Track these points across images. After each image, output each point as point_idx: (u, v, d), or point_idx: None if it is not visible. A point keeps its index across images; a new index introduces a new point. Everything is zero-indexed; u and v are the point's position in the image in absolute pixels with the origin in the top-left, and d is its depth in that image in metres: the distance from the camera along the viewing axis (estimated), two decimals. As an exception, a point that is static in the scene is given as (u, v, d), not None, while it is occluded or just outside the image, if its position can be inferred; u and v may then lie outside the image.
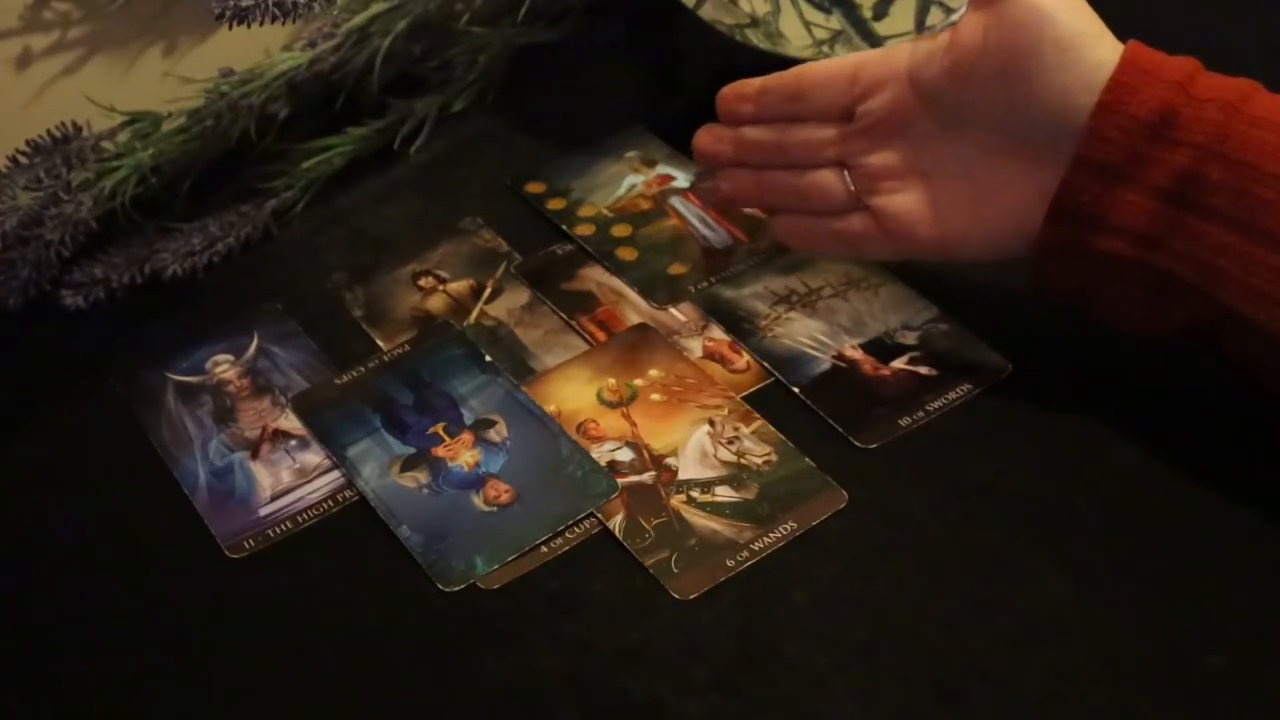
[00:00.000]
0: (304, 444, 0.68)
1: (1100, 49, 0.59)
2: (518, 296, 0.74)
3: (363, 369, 0.71)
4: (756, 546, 0.61)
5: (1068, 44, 0.59)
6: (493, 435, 0.67)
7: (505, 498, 0.64)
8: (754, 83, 0.68)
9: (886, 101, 0.65)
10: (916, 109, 0.64)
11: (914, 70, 0.64)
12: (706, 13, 0.79)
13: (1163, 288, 0.60)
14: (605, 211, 0.79)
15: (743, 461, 0.65)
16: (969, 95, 0.62)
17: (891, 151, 0.66)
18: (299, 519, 0.64)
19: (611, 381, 0.69)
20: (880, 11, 0.80)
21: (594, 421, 0.67)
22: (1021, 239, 0.63)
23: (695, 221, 0.77)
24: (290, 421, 0.69)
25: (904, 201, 0.66)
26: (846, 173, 0.67)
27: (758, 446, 0.66)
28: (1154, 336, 0.63)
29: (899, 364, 0.69)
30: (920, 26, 0.78)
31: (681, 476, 0.65)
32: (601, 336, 0.72)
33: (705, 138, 0.70)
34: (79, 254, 0.74)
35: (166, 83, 0.80)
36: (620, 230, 0.77)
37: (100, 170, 0.75)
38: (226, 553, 0.63)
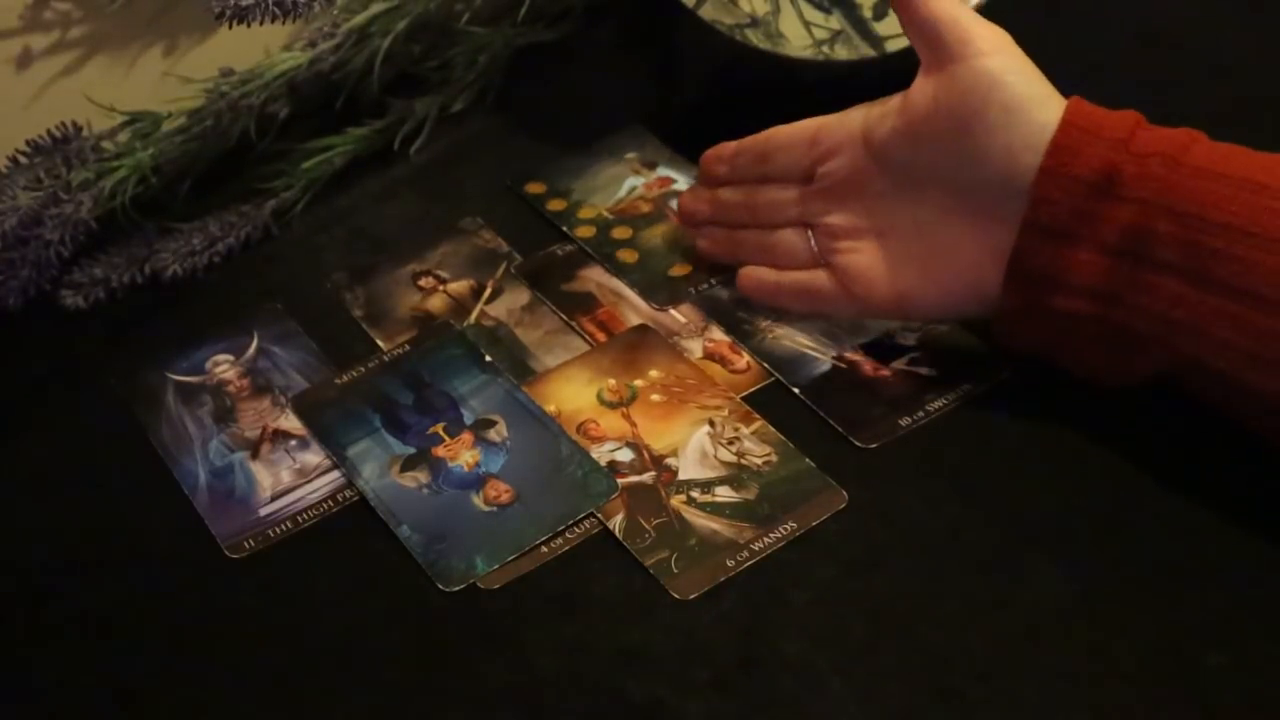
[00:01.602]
0: (304, 444, 0.68)
1: (1045, 110, 0.61)
2: (518, 297, 0.74)
3: (363, 369, 0.71)
4: (756, 546, 0.61)
5: (1015, 106, 0.61)
6: (493, 435, 0.67)
7: (505, 498, 0.64)
8: (730, 146, 0.72)
9: (844, 163, 0.67)
10: (872, 170, 0.66)
11: (868, 132, 0.66)
12: (706, 13, 0.79)
13: (1124, 341, 0.61)
14: (606, 214, 0.79)
15: (743, 462, 0.65)
16: (920, 156, 0.64)
17: (849, 212, 0.67)
18: (299, 519, 0.64)
19: (612, 382, 0.69)
20: (880, 12, 0.80)
21: (594, 422, 0.67)
22: (977, 298, 0.64)
23: (695, 222, 0.77)
24: (290, 421, 0.69)
25: (861, 260, 0.67)
26: (810, 232, 0.69)
27: (758, 447, 0.66)
28: (1123, 386, 0.63)
29: (899, 364, 0.69)
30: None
31: (681, 477, 0.65)
32: (602, 337, 0.72)
33: (687, 198, 0.74)
34: (79, 254, 0.74)
35: (166, 83, 0.80)
36: (621, 233, 0.77)
37: (100, 170, 0.75)
38: (226, 553, 0.63)
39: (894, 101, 0.65)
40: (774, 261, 0.71)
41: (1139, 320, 0.60)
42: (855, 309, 0.69)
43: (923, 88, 0.63)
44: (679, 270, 0.75)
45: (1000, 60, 0.61)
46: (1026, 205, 0.61)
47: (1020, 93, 0.61)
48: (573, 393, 0.69)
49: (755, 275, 0.71)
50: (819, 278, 0.69)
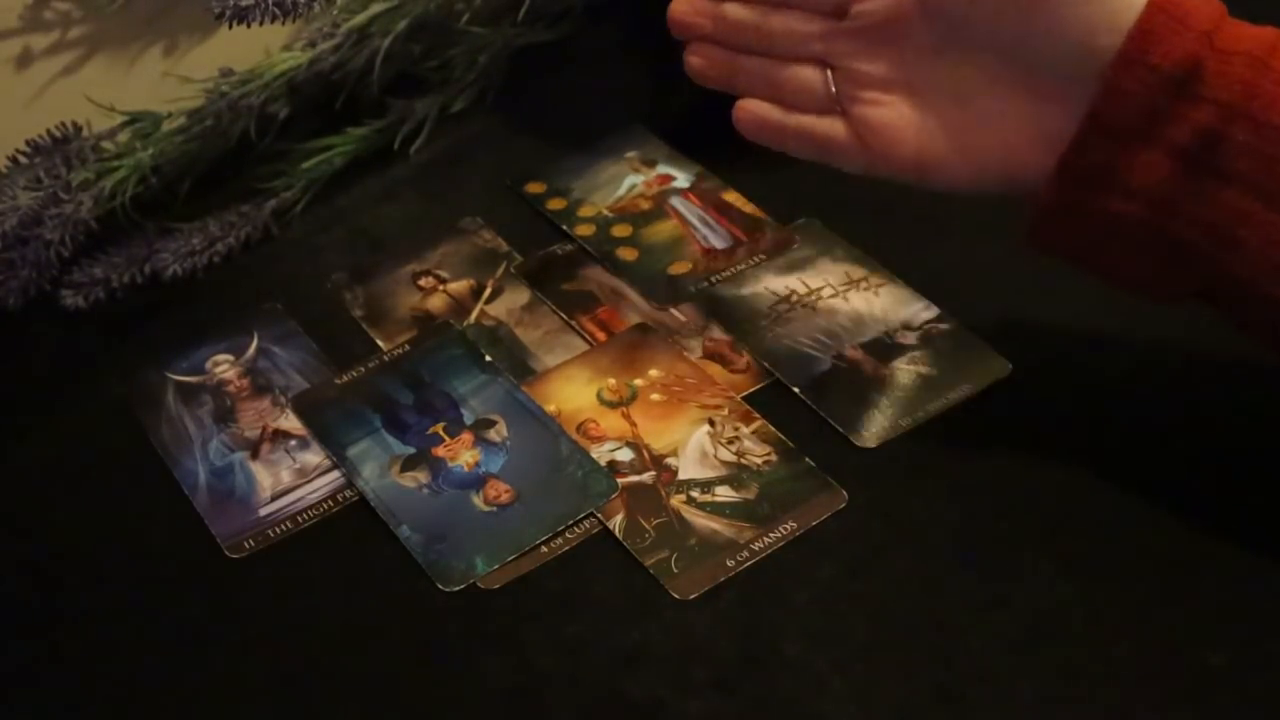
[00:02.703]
0: (304, 444, 0.68)
1: None
2: (518, 296, 0.74)
3: (363, 369, 0.71)
4: (756, 546, 0.61)
5: None
6: (493, 435, 0.67)
7: (505, 498, 0.64)
8: None
9: (886, 4, 0.59)
10: (918, 18, 0.59)
11: None
12: (706, 13, 0.79)
13: (1174, 254, 0.56)
14: (605, 212, 0.79)
15: (743, 461, 0.65)
16: (980, 13, 0.57)
17: (882, 60, 0.60)
18: (299, 519, 0.64)
19: (611, 381, 0.69)
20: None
21: (594, 421, 0.67)
22: (1005, 178, 0.59)
23: (695, 221, 0.77)
24: (290, 421, 0.69)
25: (887, 115, 0.61)
26: (830, 72, 0.62)
27: (758, 446, 0.66)
28: (1156, 300, 0.59)
29: (899, 364, 0.69)
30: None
31: (681, 476, 0.65)
32: (602, 336, 0.72)
33: (682, 5, 0.64)
34: (79, 254, 0.74)
35: (166, 83, 0.80)
36: (620, 230, 0.77)
37: (100, 170, 0.75)
38: (226, 553, 0.63)
39: None
40: (781, 98, 0.63)
41: (1195, 233, 0.55)
42: (868, 165, 0.62)
43: None
44: (679, 268, 0.75)
45: None
46: (1096, 93, 0.55)
47: None
48: (573, 392, 0.69)
49: (758, 111, 0.63)
50: (832, 125, 0.62)
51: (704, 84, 0.65)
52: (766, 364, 0.69)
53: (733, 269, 0.74)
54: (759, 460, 0.65)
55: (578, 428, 0.67)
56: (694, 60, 0.65)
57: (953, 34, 0.58)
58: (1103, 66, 0.54)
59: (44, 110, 0.77)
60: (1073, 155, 0.56)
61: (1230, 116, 0.54)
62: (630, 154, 0.82)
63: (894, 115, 0.61)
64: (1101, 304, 0.67)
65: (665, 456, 0.65)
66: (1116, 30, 0.54)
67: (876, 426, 0.66)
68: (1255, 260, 0.54)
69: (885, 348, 0.69)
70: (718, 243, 0.76)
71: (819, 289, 0.73)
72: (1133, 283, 0.59)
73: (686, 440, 0.66)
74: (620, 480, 0.64)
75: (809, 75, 0.62)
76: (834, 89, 0.62)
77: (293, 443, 0.68)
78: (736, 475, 0.64)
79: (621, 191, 0.80)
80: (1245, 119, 0.53)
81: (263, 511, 0.65)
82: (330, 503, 0.65)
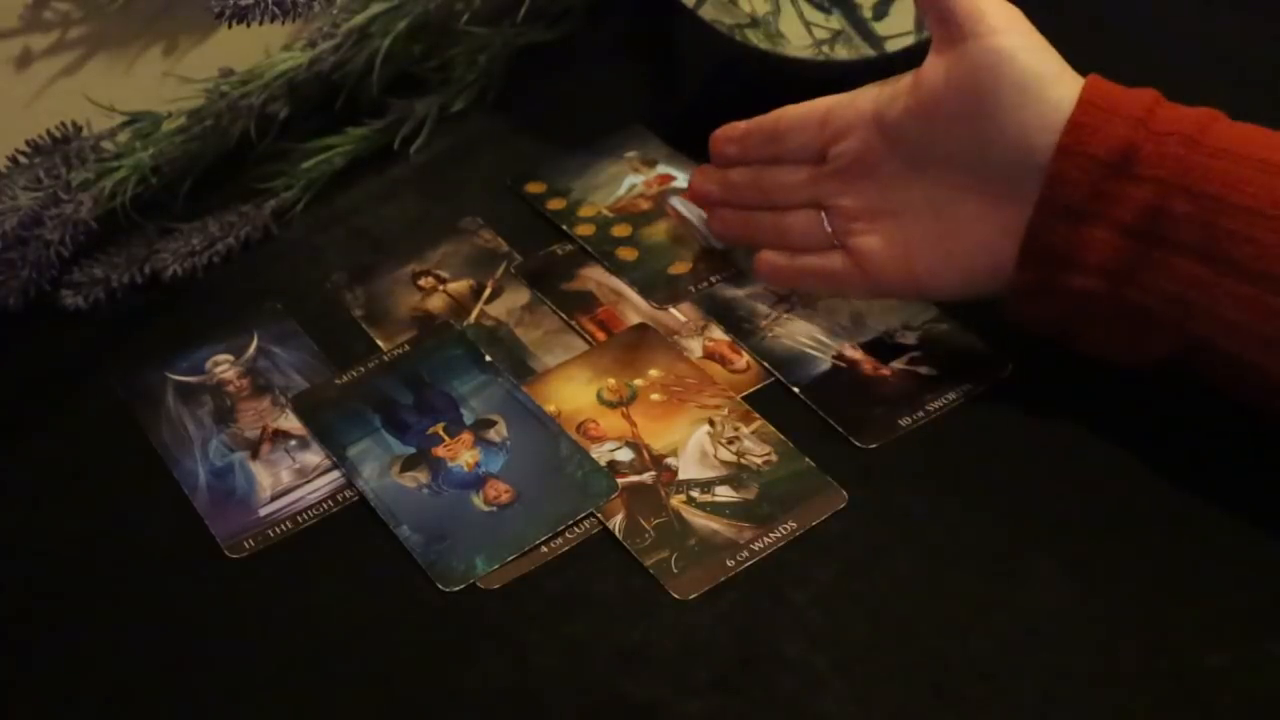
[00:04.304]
0: (304, 444, 0.68)
1: (1059, 87, 0.60)
2: (518, 296, 0.74)
3: (363, 369, 0.71)
4: (756, 546, 0.61)
5: (1027, 84, 0.60)
6: (493, 435, 0.67)
7: (505, 498, 0.64)
8: (740, 125, 0.71)
9: (856, 144, 0.66)
10: (885, 150, 0.65)
11: (879, 112, 0.65)
12: (706, 13, 0.79)
13: (1138, 321, 0.61)
14: (605, 211, 0.79)
15: (743, 461, 0.65)
16: (933, 135, 0.63)
17: (862, 193, 0.67)
18: (299, 519, 0.64)
19: (611, 381, 0.69)
20: (880, 12, 0.80)
21: (594, 421, 0.67)
22: (993, 276, 0.64)
23: (695, 221, 0.77)
24: (290, 421, 0.69)
25: (875, 242, 0.66)
26: (823, 214, 0.68)
27: (758, 446, 0.66)
28: (1137, 368, 0.63)
29: (899, 364, 0.69)
30: (920, 27, 0.78)
31: (681, 476, 0.65)
32: (601, 336, 0.72)
33: (697, 178, 0.73)
34: (79, 254, 0.74)
35: (166, 83, 0.80)
36: (620, 230, 0.77)
37: (100, 170, 0.75)
38: (226, 553, 0.63)
39: (905, 81, 0.64)
40: (788, 243, 0.70)
41: (1153, 300, 0.59)
42: (872, 290, 0.68)
43: (935, 66, 0.63)
44: (679, 268, 0.75)
45: (1012, 38, 0.61)
46: (1042, 184, 0.60)
47: (1033, 70, 0.60)
48: (572, 392, 0.69)
49: (771, 260, 0.70)
50: (835, 260, 0.68)
51: (728, 244, 0.74)
52: (766, 364, 0.69)
53: (733, 269, 0.74)
54: (759, 460, 0.65)
55: (578, 428, 0.67)
56: (714, 225, 0.74)
57: (916, 157, 0.65)
58: (1045, 162, 0.60)
59: (44, 110, 0.77)
60: (1031, 239, 0.61)
61: (1168, 191, 0.58)
62: (630, 154, 0.82)
63: (883, 240, 0.66)
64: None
65: (665, 456, 0.65)
66: (1051, 130, 0.60)
67: (876, 426, 0.66)
68: (1208, 320, 0.58)
69: (885, 348, 0.69)
70: (717, 242, 0.76)
71: (819, 289, 0.73)
72: (1107, 352, 0.63)
73: (686, 440, 0.66)
74: (620, 480, 0.64)
75: (806, 219, 0.69)
76: (829, 227, 0.68)
77: (293, 443, 0.68)
78: (736, 475, 0.64)
79: (621, 191, 0.80)
80: (1182, 192, 0.58)
81: (263, 511, 0.65)
82: (330, 503, 0.65)
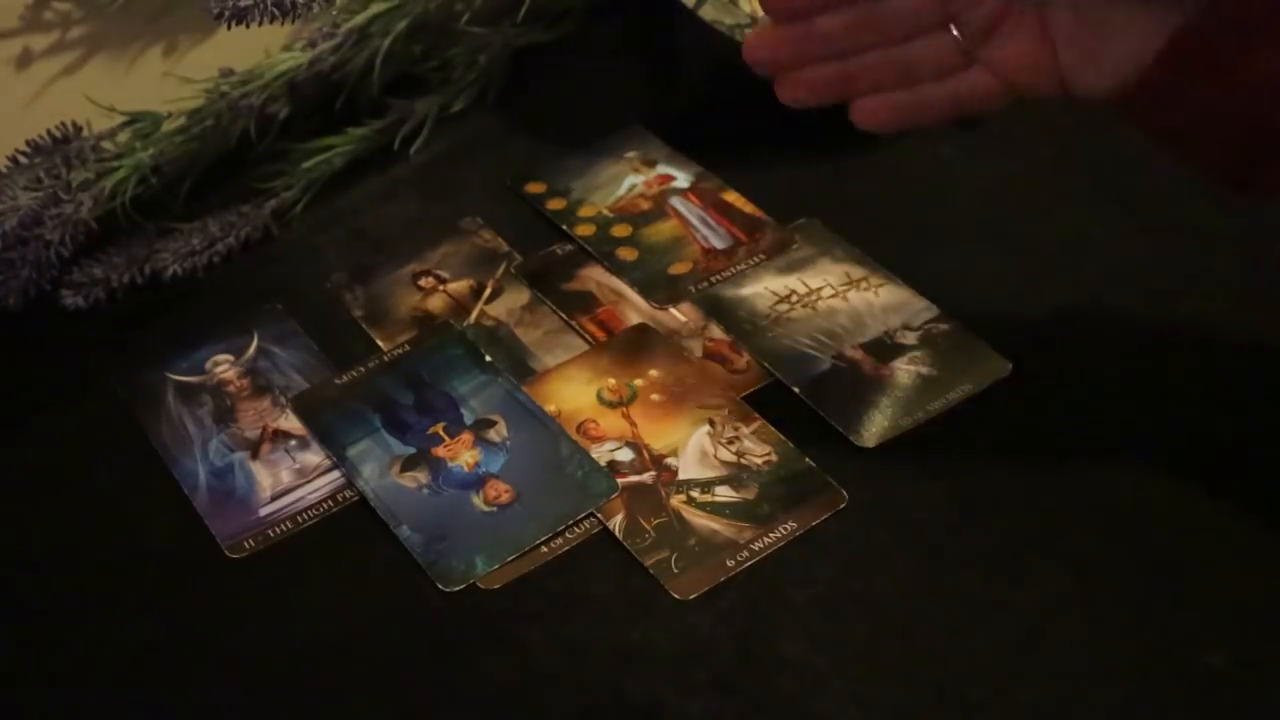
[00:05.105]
0: (304, 444, 0.68)
1: None
2: (518, 296, 0.74)
3: (363, 369, 0.71)
4: (756, 546, 0.61)
5: None
6: (493, 435, 0.67)
7: (505, 498, 0.64)
8: None
9: None
10: None
11: None
12: (706, 13, 0.79)
13: (1269, 147, 0.55)
14: (605, 211, 0.79)
15: (743, 461, 0.65)
16: None
17: None
18: (299, 519, 0.64)
19: (611, 381, 0.69)
20: (880, 11, 0.79)
21: (594, 421, 0.67)
22: (1138, 78, 0.57)
23: (695, 221, 0.77)
24: (290, 421, 0.69)
25: (1019, 46, 0.59)
26: (955, 30, 0.60)
27: (758, 446, 0.66)
28: (1239, 193, 0.58)
29: (899, 364, 0.69)
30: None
31: (681, 476, 0.65)
32: (601, 336, 0.72)
33: (754, 41, 0.61)
34: (79, 254, 0.74)
35: (166, 83, 0.80)
36: (620, 230, 0.77)
37: (100, 170, 0.75)
38: (226, 553, 0.63)
39: None
40: (911, 78, 0.61)
41: None
42: (1008, 97, 0.60)
43: None
44: (679, 268, 0.75)
45: None
46: None
47: None
48: (572, 392, 0.69)
49: (883, 103, 0.61)
50: (964, 79, 0.60)
51: (811, 106, 0.62)
52: (766, 364, 0.69)
53: (733, 269, 0.74)
54: (759, 460, 0.65)
55: (578, 428, 0.67)
56: (795, 91, 0.62)
57: None
58: None
59: (44, 110, 0.77)
60: (1181, 39, 0.55)
61: None
62: (630, 154, 0.82)
63: (1026, 44, 0.59)
64: (1101, 304, 0.67)
65: (665, 456, 0.65)
66: None
67: (876, 426, 0.66)
68: None
69: (885, 348, 0.69)
70: (718, 243, 0.76)
71: (819, 289, 0.73)
72: (1219, 172, 0.58)
73: (686, 440, 0.66)
74: (620, 480, 0.64)
75: (930, 43, 0.60)
76: (961, 39, 0.60)
77: (293, 443, 0.68)
78: (736, 475, 0.64)
79: (621, 191, 0.80)
80: None
81: (263, 511, 0.65)
82: (330, 503, 0.65)
